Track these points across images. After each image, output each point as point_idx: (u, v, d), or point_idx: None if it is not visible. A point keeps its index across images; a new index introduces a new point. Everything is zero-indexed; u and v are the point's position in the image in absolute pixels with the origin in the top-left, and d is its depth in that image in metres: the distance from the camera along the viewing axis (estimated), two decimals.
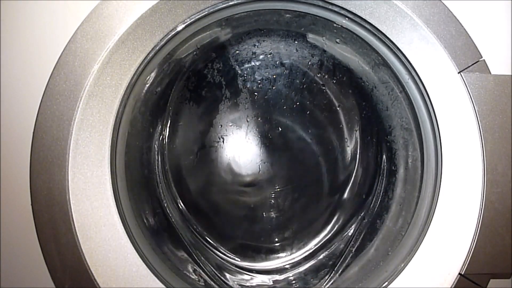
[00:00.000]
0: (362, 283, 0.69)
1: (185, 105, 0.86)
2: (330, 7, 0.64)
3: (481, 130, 0.59)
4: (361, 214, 0.85)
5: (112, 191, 0.58)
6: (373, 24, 0.62)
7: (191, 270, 0.75)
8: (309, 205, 0.90)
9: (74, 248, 0.57)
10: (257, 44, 0.84)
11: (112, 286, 0.57)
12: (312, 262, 0.86)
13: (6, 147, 0.61)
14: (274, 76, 0.87)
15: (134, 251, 0.58)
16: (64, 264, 0.57)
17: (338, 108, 0.88)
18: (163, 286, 0.58)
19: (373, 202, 0.84)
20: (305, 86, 0.87)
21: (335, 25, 0.70)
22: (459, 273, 0.59)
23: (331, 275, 0.79)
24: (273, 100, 0.88)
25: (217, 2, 0.62)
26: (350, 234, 0.85)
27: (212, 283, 0.76)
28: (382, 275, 0.64)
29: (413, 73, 0.63)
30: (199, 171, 0.88)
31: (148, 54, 0.61)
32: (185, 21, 0.62)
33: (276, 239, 0.90)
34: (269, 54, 0.85)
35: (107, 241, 0.57)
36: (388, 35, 0.62)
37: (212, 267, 0.81)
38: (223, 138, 0.88)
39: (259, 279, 0.85)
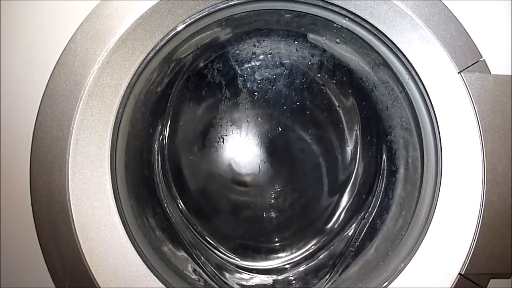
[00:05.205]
0: (362, 283, 0.69)
1: (185, 105, 0.86)
2: (330, 7, 0.64)
3: (481, 130, 0.59)
4: (361, 214, 0.85)
5: (112, 191, 0.58)
6: (373, 24, 0.62)
7: (191, 270, 0.75)
8: (309, 205, 0.90)
9: (74, 248, 0.57)
10: (257, 44, 0.84)
11: (112, 286, 0.57)
12: (312, 262, 0.86)
13: (6, 147, 0.61)
14: (274, 76, 0.87)
15: (134, 251, 0.58)
16: (64, 264, 0.57)
17: (338, 108, 0.88)
18: (163, 286, 0.58)
19: (373, 202, 0.84)
20: (305, 86, 0.87)
21: (335, 25, 0.70)
22: (459, 273, 0.59)
23: (331, 275, 0.79)
24: (273, 100, 0.88)
25: (217, 2, 0.62)
26: (350, 234, 0.85)
27: (212, 283, 0.76)
28: (382, 275, 0.64)
29: (413, 73, 0.63)
30: (199, 171, 0.88)
31: (148, 54, 0.61)
32: (185, 21, 0.62)
33: (276, 239, 0.90)
34: (269, 54, 0.85)
35: (107, 241, 0.57)
36: (388, 35, 0.62)
37: (212, 267, 0.81)
38: (223, 138, 0.88)
39: (259, 279, 0.85)
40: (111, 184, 0.58)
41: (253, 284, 0.84)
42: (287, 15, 0.75)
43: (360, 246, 0.80)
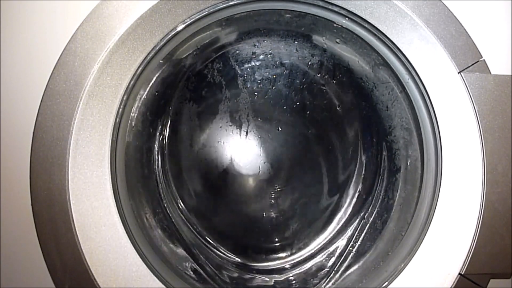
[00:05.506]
0: (362, 283, 0.69)
1: (185, 105, 0.86)
2: (330, 7, 0.64)
3: (481, 130, 0.59)
4: (361, 214, 0.85)
5: (112, 191, 0.58)
6: (373, 24, 0.62)
7: (191, 270, 0.76)
8: (309, 205, 0.90)
9: (74, 248, 0.57)
10: (257, 44, 0.84)
11: (112, 286, 0.57)
12: (312, 262, 0.86)
13: (6, 147, 0.61)
14: (274, 76, 0.87)
15: (134, 251, 0.58)
16: (64, 264, 0.57)
17: (338, 108, 0.88)
18: (163, 286, 0.58)
19: (373, 202, 0.83)
20: (305, 86, 0.87)
21: (335, 25, 0.70)
22: (459, 273, 0.59)
23: (331, 275, 0.79)
24: (273, 100, 0.88)
25: (217, 2, 0.62)
26: (350, 234, 0.85)
27: (212, 283, 0.76)
28: (382, 275, 0.64)
29: (413, 73, 0.63)
30: (199, 171, 0.88)
31: (148, 54, 0.61)
32: (185, 21, 0.62)
33: (276, 239, 0.90)
34: (269, 54, 0.85)
35: (107, 241, 0.57)
36: (388, 35, 0.62)
37: (212, 267, 0.81)
38: (223, 138, 0.88)
39: (259, 279, 0.85)
40: (111, 184, 0.58)
41: (253, 284, 0.84)
42: (287, 15, 0.75)
43: (360, 246, 0.80)
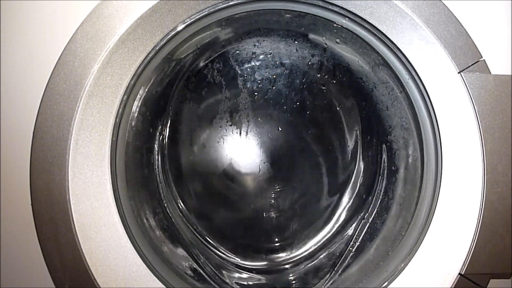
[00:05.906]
0: (362, 283, 0.69)
1: (185, 105, 0.86)
2: (330, 7, 0.64)
3: (481, 130, 0.59)
4: (361, 214, 0.85)
5: (112, 191, 0.58)
6: (373, 24, 0.62)
7: (191, 270, 0.76)
8: (309, 205, 0.90)
9: (74, 248, 0.57)
10: (257, 44, 0.84)
11: (112, 286, 0.57)
12: (312, 262, 0.86)
13: (6, 147, 0.61)
14: (274, 76, 0.87)
15: (134, 251, 0.58)
16: (64, 264, 0.57)
17: (338, 108, 0.88)
18: (163, 286, 0.58)
19: (373, 202, 0.83)
20: (305, 86, 0.87)
21: (335, 25, 0.70)
22: (459, 273, 0.59)
23: (331, 275, 0.79)
24: (273, 100, 0.88)
25: (217, 2, 0.62)
26: (350, 234, 0.85)
27: (212, 283, 0.76)
28: (382, 275, 0.64)
29: (413, 73, 0.63)
30: (199, 171, 0.88)
31: (148, 54, 0.61)
32: (185, 21, 0.62)
33: (276, 239, 0.90)
34: (269, 54, 0.85)
35: (107, 241, 0.57)
36: (388, 35, 0.62)
37: (212, 267, 0.81)
38: (223, 138, 0.88)
39: (259, 278, 0.85)
40: (111, 184, 0.58)
41: (253, 284, 0.84)
42: (287, 15, 0.75)
43: (360, 246, 0.80)
